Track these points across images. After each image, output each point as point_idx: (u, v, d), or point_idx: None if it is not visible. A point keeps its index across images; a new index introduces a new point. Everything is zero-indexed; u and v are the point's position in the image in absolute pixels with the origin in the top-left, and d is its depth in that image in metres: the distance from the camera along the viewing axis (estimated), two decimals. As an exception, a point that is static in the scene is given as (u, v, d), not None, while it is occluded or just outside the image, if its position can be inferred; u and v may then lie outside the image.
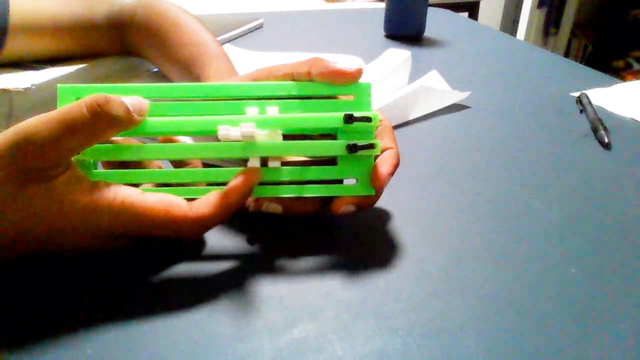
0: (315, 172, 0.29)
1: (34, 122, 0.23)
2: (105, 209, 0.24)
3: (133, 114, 0.26)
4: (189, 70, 0.46)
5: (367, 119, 0.28)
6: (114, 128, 0.25)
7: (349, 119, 0.28)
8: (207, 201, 0.26)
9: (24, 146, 0.23)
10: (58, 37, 0.52)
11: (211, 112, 0.28)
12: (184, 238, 0.28)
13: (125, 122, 0.26)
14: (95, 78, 0.51)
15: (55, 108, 0.33)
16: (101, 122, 0.24)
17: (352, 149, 0.28)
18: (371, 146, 0.28)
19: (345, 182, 0.30)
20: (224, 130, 0.27)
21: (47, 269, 0.27)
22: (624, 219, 0.32)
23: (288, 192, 0.28)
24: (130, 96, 0.26)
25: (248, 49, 0.70)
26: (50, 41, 0.52)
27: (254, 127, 0.27)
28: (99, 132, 0.25)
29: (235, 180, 0.27)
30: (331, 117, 0.28)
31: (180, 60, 0.47)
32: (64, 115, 0.24)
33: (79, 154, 0.26)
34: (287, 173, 0.28)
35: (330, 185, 0.29)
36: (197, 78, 0.44)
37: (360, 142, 0.28)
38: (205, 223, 0.26)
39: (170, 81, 0.51)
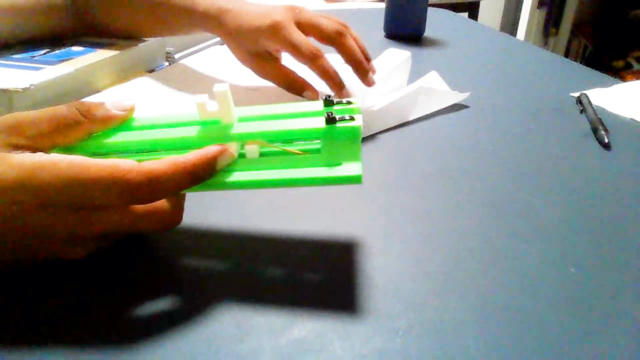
0: (297, 161, 0.27)
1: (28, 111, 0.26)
2: (49, 165, 0.23)
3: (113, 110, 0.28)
4: (186, 22, 0.49)
5: (348, 102, 0.28)
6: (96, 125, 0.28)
7: (329, 103, 0.28)
8: (160, 160, 0.25)
9: (10, 122, 0.25)
10: (18, 18, 0.53)
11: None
12: (144, 215, 0.26)
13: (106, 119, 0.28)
14: (93, 79, 0.51)
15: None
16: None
17: (331, 120, 0.26)
18: (352, 119, 0.27)
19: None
20: (200, 99, 0.27)
21: (46, 269, 0.27)
22: (624, 219, 0.32)
23: (269, 184, 0.26)
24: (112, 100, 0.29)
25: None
26: (10, 21, 0.53)
27: (228, 92, 0.27)
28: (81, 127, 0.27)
29: (203, 149, 0.26)
30: (313, 112, 0.28)
31: (176, 13, 0.50)
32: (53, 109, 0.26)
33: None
34: (266, 161, 0.27)
35: (313, 176, 0.26)
36: (207, 27, 0.47)
37: (339, 115, 0.26)
38: (156, 179, 0.24)
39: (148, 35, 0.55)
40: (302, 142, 0.29)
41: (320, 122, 0.27)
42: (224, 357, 0.22)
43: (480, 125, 0.47)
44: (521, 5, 2.52)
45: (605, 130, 0.43)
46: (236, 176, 0.26)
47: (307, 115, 0.28)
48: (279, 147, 0.28)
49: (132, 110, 0.29)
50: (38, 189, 0.23)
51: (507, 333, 0.23)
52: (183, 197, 0.28)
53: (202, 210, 0.33)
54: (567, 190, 0.35)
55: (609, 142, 0.42)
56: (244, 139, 0.28)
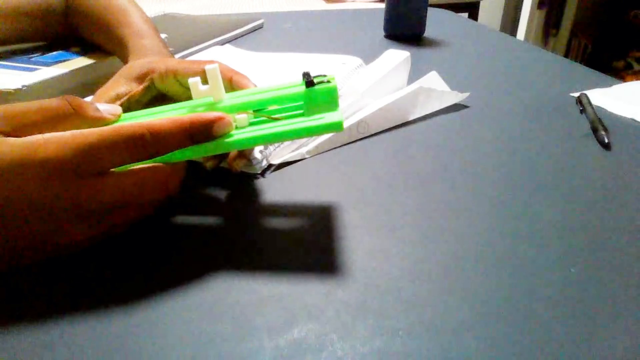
0: (283, 123, 0.29)
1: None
2: (52, 138, 0.24)
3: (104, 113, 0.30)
4: (121, 50, 0.49)
5: (324, 76, 0.31)
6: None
7: (309, 82, 0.30)
8: (161, 118, 0.27)
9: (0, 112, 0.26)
10: (18, 20, 0.56)
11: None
12: (149, 177, 0.27)
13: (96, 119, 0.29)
14: (85, 81, 0.52)
15: None
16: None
17: (310, 83, 0.29)
18: (327, 81, 0.30)
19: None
20: (193, 80, 0.30)
21: (45, 269, 0.27)
22: (624, 219, 0.32)
23: (262, 141, 0.29)
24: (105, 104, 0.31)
25: (248, 49, 0.70)
26: (10, 24, 0.56)
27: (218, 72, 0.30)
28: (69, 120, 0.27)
29: (203, 113, 0.28)
30: (294, 84, 0.31)
31: (113, 40, 0.51)
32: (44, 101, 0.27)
33: None
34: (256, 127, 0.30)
35: (298, 127, 0.29)
36: (125, 58, 0.46)
37: (317, 80, 0.30)
38: (157, 133, 0.26)
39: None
40: (287, 113, 0.31)
41: (300, 89, 0.30)
42: (224, 357, 0.22)
43: (480, 125, 0.47)
44: (521, 5, 2.52)
45: (605, 130, 0.43)
46: (230, 138, 0.29)
47: (289, 87, 0.31)
48: (265, 115, 0.30)
49: (120, 116, 0.31)
50: (43, 161, 0.23)
51: (507, 333, 0.23)
52: (183, 165, 0.29)
53: (202, 209, 0.33)
54: (567, 190, 0.35)
55: (609, 142, 0.42)
56: (233, 110, 0.30)
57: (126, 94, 0.36)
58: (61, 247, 0.27)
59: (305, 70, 0.31)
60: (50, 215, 0.24)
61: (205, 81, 0.31)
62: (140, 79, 0.37)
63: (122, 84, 0.37)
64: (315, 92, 0.29)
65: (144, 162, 0.27)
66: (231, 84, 0.35)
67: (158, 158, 0.27)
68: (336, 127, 0.28)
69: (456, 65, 0.66)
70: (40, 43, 0.60)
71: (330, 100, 0.30)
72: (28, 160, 0.23)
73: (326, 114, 0.29)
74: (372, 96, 0.47)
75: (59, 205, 0.24)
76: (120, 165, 0.26)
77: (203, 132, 0.28)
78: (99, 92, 0.37)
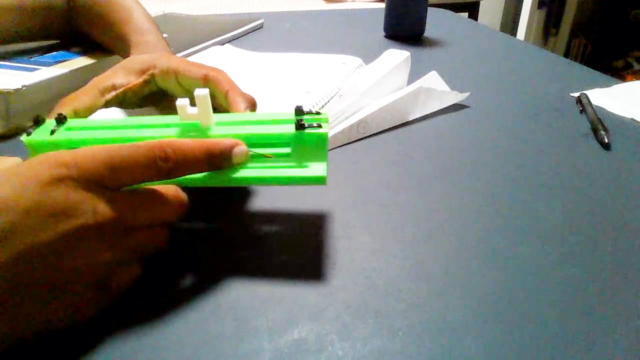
0: (269, 162, 0.29)
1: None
2: (79, 152, 0.23)
3: None
4: (122, 47, 0.48)
5: (317, 113, 0.29)
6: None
7: (300, 124, 0.29)
8: (186, 139, 0.27)
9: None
10: (21, 17, 0.56)
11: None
12: (169, 201, 0.26)
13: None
14: (85, 81, 0.52)
15: (51, 108, 0.34)
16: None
17: (301, 127, 0.28)
18: (319, 126, 0.28)
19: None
20: (181, 102, 0.29)
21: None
22: (624, 219, 0.32)
23: (250, 182, 0.29)
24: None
25: (248, 49, 0.70)
26: (13, 21, 0.56)
27: (207, 97, 0.29)
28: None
29: (220, 139, 0.28)
30: (285, 119, 0.30)
31: (115, 37, 0.50)
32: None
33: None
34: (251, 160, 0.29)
35: (281, 175, 0.28)
36: (126, 55, 0.45)
37: (308, 122, 0.29)
38: (180, 150, 0.25)
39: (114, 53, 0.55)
40: (276, 150, 0.30)
41: (290, 128, 0.29)
42: (224, 358, 0.22)
43: (480, 125, 0.47)
44: (521, 5, 2.52)
45: (605, 130, 0.43)
46: (235, 173, 0.28)
47: (280, 123, 0.30)
48: (252, 150, 0.29)
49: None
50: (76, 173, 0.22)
51: (507, 333, 0.23)
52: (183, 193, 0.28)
53: (201, 209, 0.33)
54: (567, 190, 0.35)
55: (609, 142, 0.42)
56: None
57: (123, 86, 0.36)
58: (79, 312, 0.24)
59: (298, 105, 0.30)
60: (88, 263, 0.22)
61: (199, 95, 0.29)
62: (140, 73, 0.37)
63: (121, 75, 0.36)
64: (305, 136, 0.28)
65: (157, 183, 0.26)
66: (226, 99, 0.34)
67: (169, 181, 0.26)
68: (319, 180, 0.28)
69: (456, 65, 0.66)
70: (42, 43, 0.60)
71: (319, 144, 0.29)
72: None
73: (312, 165, 0.28)
74: (372, 96, 0.47)
75: (96, 253, 0.23)
76: (139, 182, 0.25)
77: (223, 158, 0.27)
78: (95, 80, 0.36)
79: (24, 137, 0.30)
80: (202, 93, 0.28)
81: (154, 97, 0.39)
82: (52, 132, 0.30)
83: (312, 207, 0.34)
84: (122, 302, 0.25)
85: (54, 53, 0.55)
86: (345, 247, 0.30)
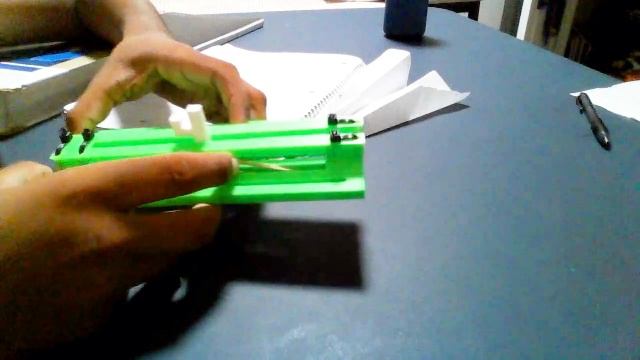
0: (301, 176, 0.27)
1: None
2: (88, 168, 0.22)
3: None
4: (118, 30, 0.46)
5: (351, 121, 0.28)
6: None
7: (333, 121, 0.28)
8: (195, 152, 0.25)
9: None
10: (31, 16, 0.56)
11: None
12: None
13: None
14: (85, 81, 0.52)
15: (50, 108, 0.33)
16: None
17: (336, 138, 0.27)
18: (354, 137, 0.27)
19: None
20: (175, 118, 0.27)
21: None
22: (624, 219, 0.32)
23: (271, 198, 0.27)
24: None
25: (248, 49, 0.70)
26: (22, 20, 0.56)
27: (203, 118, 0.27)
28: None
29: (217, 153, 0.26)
30: (315, 129, 0.28)
31: (114, 23, 0.49)
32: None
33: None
34: (270, 176, 0.28)
35: (318, 191, 0.27)
36: (122, 36, 0.43)
37: (344, 134, 0.27)
38: (194, 163, 0.24)
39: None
40: (306, 157, 0.29)
41: (325, 140, 0.27)
42: (224, 357, 0.22)
43: (480, 125, 0.47)
44: (521, 5, 2.52)
45: (605, 130, 0.43)
46: (247, 189, 0.27)
47: (309, 133, 0.29)
48: (253, 163, 0.28)
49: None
50: (77, 192, 0.21)
51: (507, 333, 0.23)
52: (218, 210, 0.26)
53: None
54: (567, 190, 0.35)
55: (609, 142, 0.42)
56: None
57: (126, 81, 0.34)
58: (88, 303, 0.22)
59: (332, 113, 0.28)
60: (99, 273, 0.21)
61: (206, 89, 0.28)
62: (137, 63, 0.35)
63: (120, 70, 0.35)
64: (341, 148, 0.27)
65: (173, 202, 0.25)
66: (228, 103, 0.32)
67: (178, 198, 0.25)
68: (357, 195, 0.26)
69: (456, 65, 0.66)
70: (43, 43, 0.60)
71: (355, 156, 0.27)
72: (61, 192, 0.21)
73: (349, 180, 0.27)
74: (372, 96, 0.47)
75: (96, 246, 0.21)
76: (151, 200, 0.23)
77: (228, 171, 0.25)
78: (98, 81, 0.34)
79: (53, 156, 0.28)
80: (194, 110, 0.27)
81: (162, 85, 0.37)
82: (81, 149, 0.29)
83: (312, 208, 0.34)
84: (122, 302, 0.25)
85: (54, 53, 0.55)
86: (344, 247, 0.30)
